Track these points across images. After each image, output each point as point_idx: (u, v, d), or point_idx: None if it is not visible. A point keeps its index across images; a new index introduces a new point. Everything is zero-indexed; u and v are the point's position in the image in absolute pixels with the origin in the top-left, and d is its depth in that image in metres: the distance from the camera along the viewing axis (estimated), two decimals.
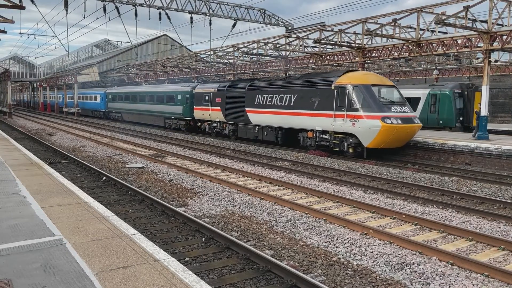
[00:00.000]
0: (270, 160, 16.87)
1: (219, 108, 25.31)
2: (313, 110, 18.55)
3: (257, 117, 22.20)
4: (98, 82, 57.71)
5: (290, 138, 20.94)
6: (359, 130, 16.38)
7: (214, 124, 26.52)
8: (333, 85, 17.61)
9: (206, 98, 26.62)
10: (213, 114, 26.00)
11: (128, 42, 62.09)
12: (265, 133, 21.78)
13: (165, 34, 62.22)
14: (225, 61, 35.38)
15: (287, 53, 29.47)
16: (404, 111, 16.72)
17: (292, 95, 19.81)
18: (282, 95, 20.38)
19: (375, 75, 17.84)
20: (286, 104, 20.08)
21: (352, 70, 18.87)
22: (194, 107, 28.11)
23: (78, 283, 3.84)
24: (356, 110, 16.49)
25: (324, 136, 18.30)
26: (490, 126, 24.62)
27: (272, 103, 21.05)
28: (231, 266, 6.01)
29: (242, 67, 35.14)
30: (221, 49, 32.83)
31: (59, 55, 72.62)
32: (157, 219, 8.35)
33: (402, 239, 7.02)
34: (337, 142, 17.70)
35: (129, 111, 39.00)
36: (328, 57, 26.47)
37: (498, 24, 17.78)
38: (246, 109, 22.91)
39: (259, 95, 21.97)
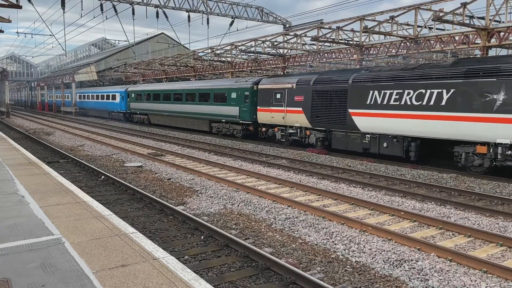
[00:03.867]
0: (269, 158, 16.87)
1: (299, 109, 19.41)
2: (490, 113, 12.52)
3: (369, 122, 16.04)
4: (96, 81, 57.56)
5: (431, 152, 15.28)
6: None
7: (291, 131, 20.39)
8: None
9: (278, 96, 20.82)
10: (290, 117, 20.07)
11: (126, 41, 61.88)
12: (384, 144, 15.59)
13: (162, 33, 62.05)
14: (223, 59, 35.33)
15: (285, 51, 29.45)
16: None
17: (444, 91, 13.71)
18: (422, 90, 14.24)
19: None
20: (432, 103, 13.95)
21: None
22: (258, 107, 22.28)
23: (77, 282, 3.84)
24: None
25: None
26: None
27: (402, 103, 14.88)
28: (230, 264, 6.02)
29: (240, 65, 35.10)
30: (218, 48, 32.80)
31: (56, 54, 72.50)
32: (155, 217, 8.35)
33: (400, 235, 7.04)
34: None
35: (160, 113, 33.01)
36: (326, 54, 26.47)
37: (495, 21, 17.81)
38: (350, 110, 16.75)
39: (375, 91, 15.79)
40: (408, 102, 14.73)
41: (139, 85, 39.99)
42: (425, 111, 14.24)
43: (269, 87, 21.64)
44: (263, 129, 22.55)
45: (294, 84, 19.90)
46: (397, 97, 15.10)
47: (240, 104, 23.68)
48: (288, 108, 20.19)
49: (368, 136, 16.28)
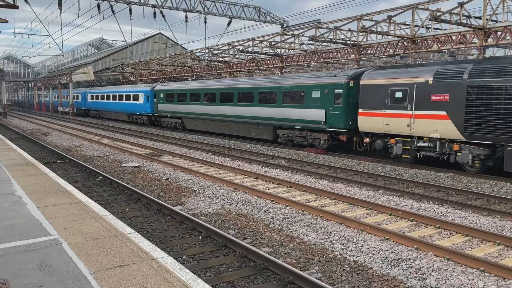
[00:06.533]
0: (267, 158, 16.87)
1: (442, 113, 13.95)
2: None
3: None
4: (94, 81, 57.43)
5: None
6: None
7: (423, 143, 14.70)
8: None
9: (398, 94, 15.38)
10: (422, 124, 14.56)
11: (123, 41, 61.86)
12: None
13: (160, 33, 62.07)
14: (221, 59, 35.33)
15: (283, 50, 29.47)
16: None
17: None
18: None
19: None
20: None
21: None
22: (360, 110, 16.69)
23: (74, 282, 3.83)
24: None
25: None
26: None
27: None
28: (228, 264, 6.02)
29: (238, 65, 35.11)
30: (216, 47, 32.78)
31: (53, 55, 72.44)
32: (153, 218, 8.34)
33: (398, 235, 7.05)
34: None
35: (199, 116, 27.13)
36: (323, 54, 26.49)
37: (492, 20, 17.86)
38: None
39: None
40: None
41: (169, 83, 34.13)
42: None
43: (381, 83, 16.03)
44: (366, 139, 16.87)
45: (430, 78, 14.44)
46: None
47: (327, 106, 18.13)
48: (417, 112, 14.76)
49: None
